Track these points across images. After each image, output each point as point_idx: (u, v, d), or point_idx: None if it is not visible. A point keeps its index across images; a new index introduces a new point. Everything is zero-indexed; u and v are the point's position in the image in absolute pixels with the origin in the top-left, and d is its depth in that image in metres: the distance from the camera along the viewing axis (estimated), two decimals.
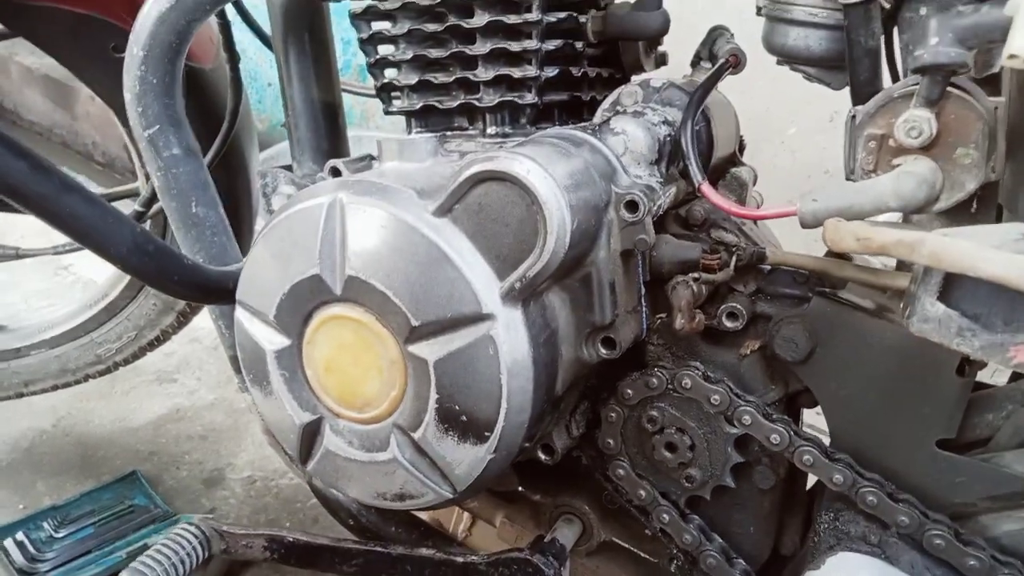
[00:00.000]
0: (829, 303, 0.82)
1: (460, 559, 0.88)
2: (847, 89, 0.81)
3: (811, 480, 1.01)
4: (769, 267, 0.88)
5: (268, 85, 3.72)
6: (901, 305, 0.68)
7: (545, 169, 0.69)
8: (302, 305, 0.79)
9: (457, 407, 0.74)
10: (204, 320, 2.72)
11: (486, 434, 0.75)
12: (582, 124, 0.86)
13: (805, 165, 2.54)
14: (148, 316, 1.92)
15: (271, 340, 0.82)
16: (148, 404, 2.33)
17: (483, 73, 0.89)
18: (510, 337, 0.72)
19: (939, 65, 0.63)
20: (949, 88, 0.67)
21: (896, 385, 0.80)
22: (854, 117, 0.74)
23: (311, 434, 0.84)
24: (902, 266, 0.89)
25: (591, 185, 0.74)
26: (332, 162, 0.89)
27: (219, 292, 1.00)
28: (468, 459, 0.76)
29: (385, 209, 0.73)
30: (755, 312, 0.85)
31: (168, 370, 2.49)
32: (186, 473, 2.10)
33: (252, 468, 2.13)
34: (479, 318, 0.71)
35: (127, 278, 1.88)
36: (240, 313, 0.85)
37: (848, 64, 0.82)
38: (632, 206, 0.76)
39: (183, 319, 1.94)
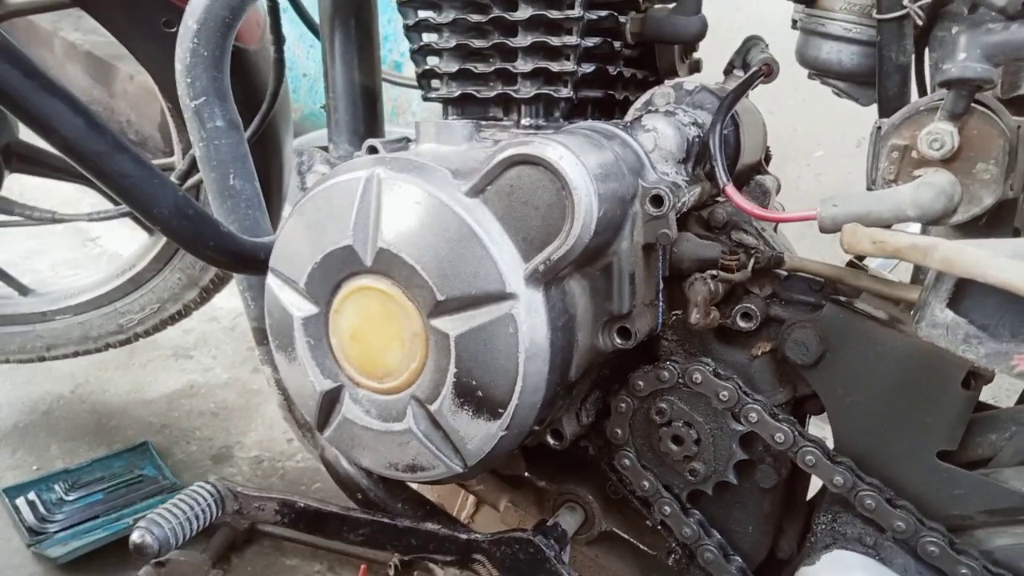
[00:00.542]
0: (842, 310, 0.84)
1: (463, 536, 0.90)
2: (873, 116, 0.84)
3: (812, 490, 1.03)
4: (785, 273, 0.90)
5: (303, 76, 3.78)
6: (911, 312, 0.70)
7: (577, 156, 0.71)
8: (332, 275, 0.82)
9: (474, 382, 0.77)
10: (223, 300, 2.77)
11: (500, 411, 0.77)
12: (614, 120, 0.89)
13: (829, 188, 2.55)
14: (172, 290, 1.96)
15: (300, 307, 0.85)
16: (164, 378, 2.37)
17: (522, 65, 0.92)
18: (530, 318, 0.75)
19: (965, 79, 0.65)
20: (973, 104, 0.69)
21: (902, 394, 0.81)
22: (879, 128, 0.76)
23: (330, 402, 0.86)
24: (916, 280, 0.91)
25: (619, 177, 0.77)
26: (370, 141, 0.92)
27: (250, 262, 1.03)
28: (480, 434, 0.79)
29: (420, 186, 0.76)
30: (769, 315, 0.87)
31: (185, 346, 2.53)
32: (196, 448, 2.14)
33: (260, 448, 2.17)
34: (502, 297, 0.74)
35: (155, 251, 1.92)
36: (271, 280, 0.88)
37: (878, 79, 0.84)
38: (657, 200, 0.78)
39: (205, 295, 1.98)
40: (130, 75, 4.46)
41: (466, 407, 0.78)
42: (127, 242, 2.81)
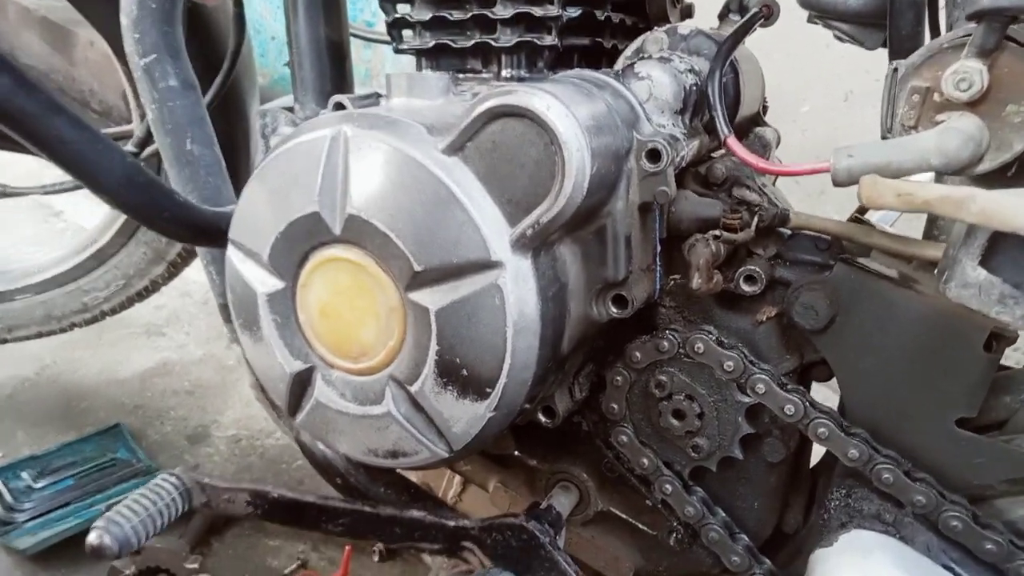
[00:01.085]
0: (853, 270, 0.78)
1: (451, 523, 0.84)
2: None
3: (814, 459, 0.98)
4: (790, 232, 0.84)
5: (272, 39, 3.63)
6: (937, 271, 0.64)
7: (567, 107, 0.64)
8: (298, 245, 0.74)
9: (458, 360, 0.70)
10: (195, 274, 2.67)
11: (487, 390, 0.70)
12: (604, 69, 0.81)
13: (816, 144, 2.49)
14: (138, 265, 1.87)
15: (264, 282, 0.78)
16: (135, 356, 2.29)
17: (501, 10, 0.84)
18: (518, 288, 0.68)
19: (999, 9, 0.58)
20: (1005, 39, 0.62)
21: (919, 359, 0.76)
22: (895, 70, 0.69)
23: (301, 384, 0.79)
24: (930, 235, 0.85)
25: (613, 130, 0.70)
26: (336, 97, 0.84)
27: (211, 233, 0.95)
28: (466, 416, 0.72)
29: (392, 144, 0.68)
30: (773, 277, 0.81)
31: (157, 323, 2.44)
32: (171, 428, 2.07)
33: (238, 427, 2.10)
34: (486, 265, 0.67)
35: (117, 224, 1.83)
36: (232, 253, 0.80)
37: (889, 17, 0.77)
38: (654, 155, 0.71)
39: (174, 270, 1.89)
40: (90, 41, 4.28)
41: (450, 387, 0.71)
42: (92, 216, 2.70)
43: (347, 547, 1.55)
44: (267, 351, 0.80)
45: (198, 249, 1.13)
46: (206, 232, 0.95)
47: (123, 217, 1.81)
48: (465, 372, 0.70)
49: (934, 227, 0.84)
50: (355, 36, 1.35)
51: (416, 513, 0.85)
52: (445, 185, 0.67)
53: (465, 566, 0.87)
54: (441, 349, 0.70)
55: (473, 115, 0.66)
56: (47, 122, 0.75)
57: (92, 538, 0.75)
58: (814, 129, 2.65)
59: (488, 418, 0.72)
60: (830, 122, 2.62)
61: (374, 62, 3.27)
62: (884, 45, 0.93)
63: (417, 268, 0.69)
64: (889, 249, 0.80)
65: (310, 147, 0.72)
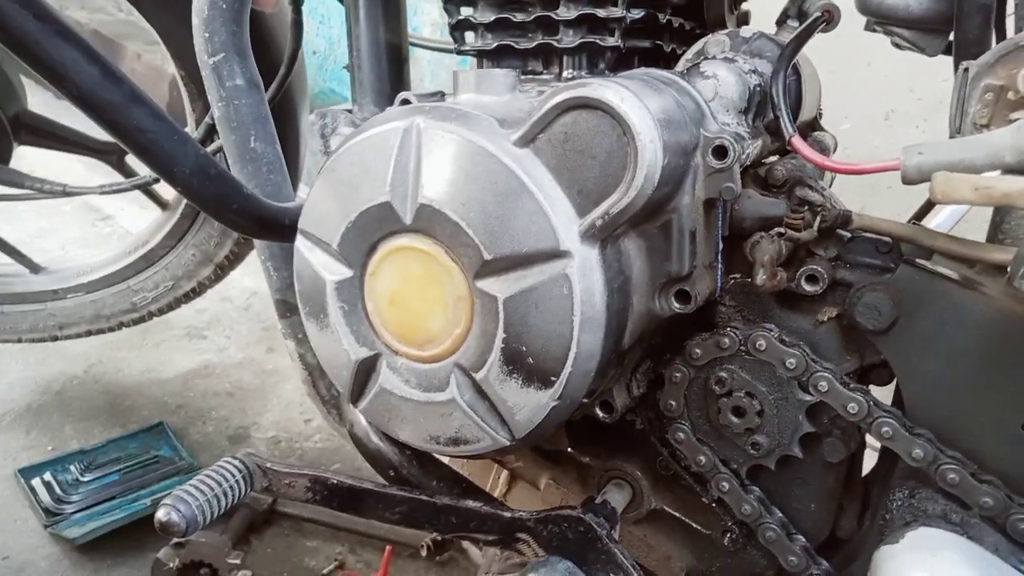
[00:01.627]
0: (917, 271, 0.78)
1: (507, 514, 0.85)
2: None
3: (866, 468, 0.98)
4: (849, 235, 0.84)
5: (313, 53, 3.71)
6: (1010, 270, 0.64)
7: (640, 99, 0.65)
8: (368, 235, 0.76)
9: (524, 348, 0.71)
10: (237, 279, 2.72)
11: (552, 379, 0.71)
12: (669, 70, 0.82)
13: (856, 161, 2.48)
14: (186, 267, 1.91)
15: (332, 271, 0.79)
16: (177, 358, 2.33)
17: (565, 12, 0.85)
18: (586, 278, 0.69)
19: None
20: None
21: (985, 361, 0.75)
22: (966, 70, 0.70)
23: (366, 371, 0.81)
24: (994, 239, 0.84)
25: (682, 125, 0.71)
26: (403, 95, 0.86)
27: (274, 227, 0.97)
28: (530, 405, 0.73)
29: (464, 136, 0.70)
30: (835, 278, 0.81)
31: (199, 326, 2.49)
32: (212, 428, 2.10)
33: (277, 428, 2.12)
34: (555, 255, 0.68)
35: (168, 226, 1.87)
36: (301, 243, 0.82)
37: (956, 21, 0.78)
38: (721, 152, 0.72)
39: (220, 272, 1.93)
40: (137, 54, 4.39)
41: (515, 375, 0.72)
42: (139, 221, 2.76)
43: (387, 547, 1.56)
44: (333, 339, 0.81)
45: (257, 245, 1.15)
46: (270, 226, 0.97)
47: (174, 219, 1.86)
48: (530, 360, 0.71)
49: (999, 231, 0.84)
50: (413, 45, 1.38)
51: (472, 503, 0.86)
52: (516, 175, 0.68)
53: (518, 559, 0.87)
54: (507, 337, 0.71)
55: (546, 107, 0.67)
56: (130, 112, 0.78)
57: (161, 514, 0.77)
58: (855, 147, 2.63)
59: (551, 407, 0.72)
60: (869, 141, 2.61)
61: (414, 74, 3.33)
62: (944, 52, 0.94)
63: (487, 257, 0.70)
64: (953, 252, 0.79)
65: (382, 139, 0.74)
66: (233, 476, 0.83)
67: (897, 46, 0.98)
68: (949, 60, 0.84)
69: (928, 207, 0.95)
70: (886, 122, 2.60)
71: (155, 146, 0.81)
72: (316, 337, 0.84)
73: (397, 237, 0.75)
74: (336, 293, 0.80)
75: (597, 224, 0.68)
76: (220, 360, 2.36)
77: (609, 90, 0.65)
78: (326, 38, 3.71)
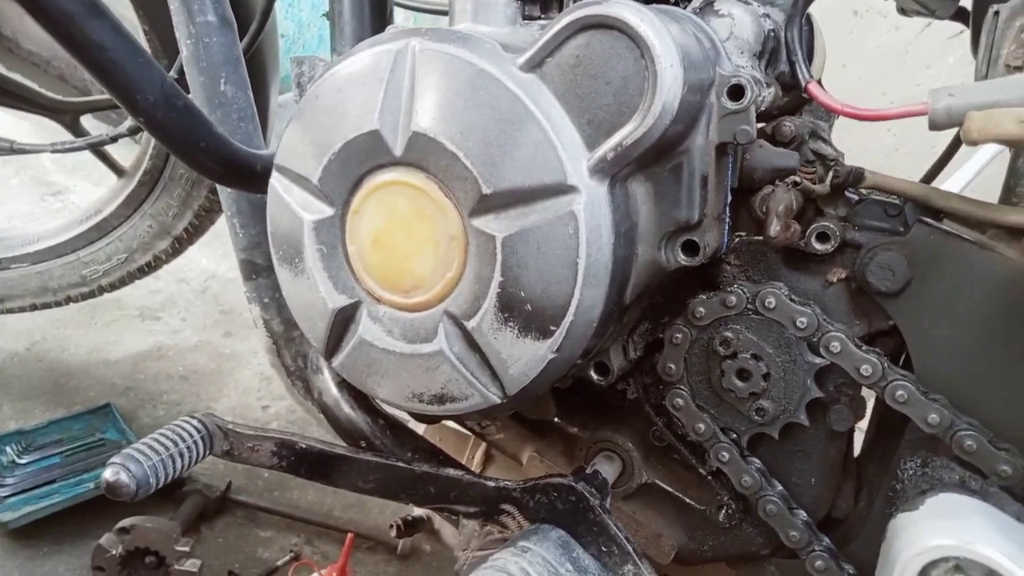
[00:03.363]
0: (932, 231, 0.74)
1: (491, 483, 0.79)
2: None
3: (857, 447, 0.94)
4: (857, 198, 0.80)
5: (281, 36, 3.60)
6: None
7: (660, 21, 0.60)
8: (353, 168, 0.69)
9: (522, 294, 0.65)
10: (194, 261, 2.61)
11: (551, 328, 0.65)
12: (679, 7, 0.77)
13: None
14: (141, 239, 1.80)
15: (311, 209, 0.73)
16: (128, 339, 2.21)
17: None
18: (593, 217, 0.63)
19: None
20: None
21: (1002, 325, 0.72)
22: (997, 13, 0.66)
23: (344, 321, 0.74)
24: (1007, 201, 0.81)
25: (699, 58, 0.66)
26: (392, 26, 0.79)
27: (245, 173, 0.90)
28: (526, 357, 0.67)
29: (465, 58, 0.64)
30: (844, 239, 0.77)
31: (152, 307, 2.37)
32: (163, 412, 1.99)
33: (233, 415, 2.02)
34: (561, 190, 0.62)
35: (123, 195, 1.77)
36: (276, 181, 0.75)
37: None
38: (737, 91, 0.67)
39: (178, 246, 1.83)
40: None
41: (511, 324, 0.66)
42: (92, 198, 2.63)
43: (349, 534, 1.48)
44: (308, 286, 0.74)
45: (223, 199, 1.08)
46: (240, 171, 0.89)
47: (130, 187, 1.75)
48: (528, 308, 0.65)
49: (1012, 194, 0.81)
50: (399, 5, 1.31)
51: (453, 472, 0.79)
52: (521, 102, 0.62)
53: (499, 534, 0.81)
54: (505, 281, 0.65)
55: (558, 27, 0.62)
56: (89, 25, 0.70)
57: (108, 474, 0.68)
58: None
59: (548, 360, 0.67)
60: (841, 142, 2.63)
61: None
62: (954, 16, 0.91)
63: (485, 191, 0.64)
64: (967, 213, 0.76)
65: (372, 62, 0.68)
66: (191, 436, 0.76)
67: (903, 11, 0.95)
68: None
69: (936, 171, 0.92)
70: (858, 124, 2.62)
71: (115, 67, 0.73)
72: (289, 285, 0.76)
73: (385, 171, 0.68)
74: (314, 234, 0.73)
75: (608, 158, 0.62)
76: (174, 343, 2.25)
77: (628, 9, 0.60)
78: (295, 21, 3.61)
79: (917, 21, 2.64)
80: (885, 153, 2.42)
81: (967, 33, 0.92)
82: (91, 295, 1.88)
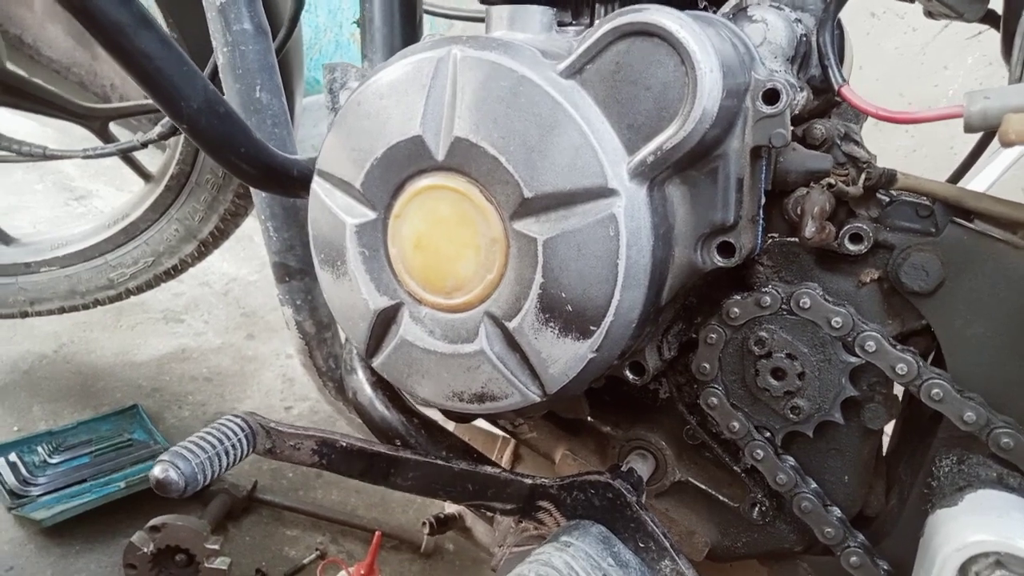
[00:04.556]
0: (965, 231, 0.75)
1: (528, 480, 0.80)
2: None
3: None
4: (888, 199, 0.81)
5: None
6: None
7: (699, 28, 0.61)
8: (395, 173, 0.71)
9: (563, 295, 0.67)
10: (216, 264, 2.64)
11: (591, 329, 0.67)
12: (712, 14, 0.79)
13: None
14: (168, 242, 1.83)
15: (353, 213, 0.74)
16: (153, 341, 2.24)
17: None
18: (633, 220, 0.64)
19: None
20: None
21: None
22: None
23: (385, 322, 0.76)
24: None
25: (735, 63, 0.67)
26: (428, 35, 0.81)
27: (282, 178, 0.92)
28: (566, 356, 0.68)
29: (506, 65, 0.65)
30: (876, 240, 0.78)
31: (176, 310, 2.40)
32: (188, 413, 2.02)
33: None
34: (602, 193, 0.64)
35: (151, 199, 1.79)
36: (318, 186, 0.77)
37: None
38: (772, 96, 0.68)
39: (203, 249, 1.85)
40: None
41: (551, 324, 0.68)
42: (115, 203, 2.67)
43: (377, 532, 1.50)
44: (350, 287, 0.76)
45: (257, 204, 1.10)
46: (277, 176, 0.92)
47: (157, 192, 1.78)
48: (569, 308, 0.67)
49: None
50: (429, 12, 1.33)
51: (491, 469, 0.81)
52: (562, 107, 0.64)
53: (535, 531, 0.82)
54: (546, 282, 0.67)
55: (599, 34, 0.63)
56: (138, 36, 0.73)
57: (157, 471, 0.70)
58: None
59: (588, 359, 0.68)
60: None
61: None
62: (981, 19, 0.92)
63: (527, 194, 0.65)
64: (999, 214, 0.76)
65: (415, 69, 0.69)
66: (235, 435, 0.77)
67: (930, 15, 0.96)
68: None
69: (962, 173, 0.93)
70: (876, 126, 2.61)
71: (161, 75, 0.76)
72: (330, 287, 0.78)
73: (427, 176, 0.70)
74: (356, 237, 0.74)
75: (648, 161, 0.64)
76: (198, 345, 2.28)
77: (668, 17, 0.61)
78: (312, 26, 3.64)
79: (934, 23, 2.64)
80: (904, 155, 2.42)
81: (985, 35, 0.92)
82: (118, 298, 1.90)
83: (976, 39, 2.24)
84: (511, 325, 0.69)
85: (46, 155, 1.58)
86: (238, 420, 0.79)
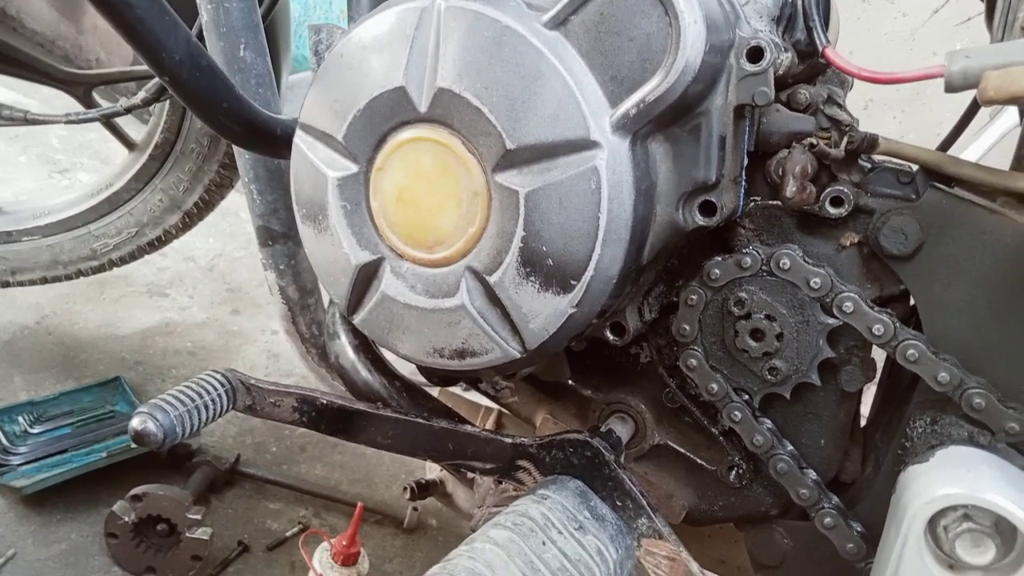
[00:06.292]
0: (944, 195, 0.75)
1: (508, 439, 0.80)
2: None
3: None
4: (870, 166, 0.81)
5: None
6: None
7: None
8: (377, 125, 0.71)
9: (544, 248, 0.67)
10: (201, 239, 2.62)
11: (572, 283, 0.67)
12: None
13: None
14: (152, 213, 1.81)
15: (335, 166, 0.74)
16: (137, 314, 2.22)
17: None
18: (615, 173, 0.64)
19: None
20: None
21: (1011, 288, 0.73)
22: None
23: (367, 277, 0.75)
24: (1020, 167, 0.82)
25: (720, 19, 0.67)
26: None
27: (266, 137, 0.92)
28: (546, 311, 0.68)
29: (490, 16, 0.65)
30: (857, 204, 0.78)
31: (160, 284, 2.38)
32: (172, 386, 1.99)
33: None
34: (584, 145, 0.64)
35: (134, 168, 1.78)
36: (301, 139, 0.77)
37: None
38: (756, 53, 0.68)
39: (188, 221, 1.84)
40: None
41: (532, 278, 0.68)
42: (99, 176, 2.64)
43: (359, 504, 1.50)
44: (331, 242, 0.76)
45: (240, 165, 1.09)
46: (260, 134, 0.91)
47: (141, 161, 1.76)
48: (550, 262, 0.67)
49: (1023, 162, 0.82)
50: None
51: (471, 429, 0.81)
52: (546, 58, 0.64)
53: (514, 491, 0.83)
54: (527, 236, 0.67)
55: None
56: None
57: (136, 423, 0.70)
58: None
59: (568, 315, 0.68)
60: None
61: None
62: None
63: (509, 146, 0.65)
64: (979, 180, 0.77)
65: (398, 20, 0.69)
66: (215, 390, 0.77)
67: None
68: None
69: (950, 142, 0.94)
70: (865, 111, 2.62)
71: (143, 25, 0.75)
72: (312, 243, 0.78)
73: (410, 127, 0.70)
74: (338, 191, 0.74)
75: (631, 114, 0.64)
76: (182, 319, 2.27)
77: None
78: (301, 3, 3.61)
79: (924, 8, 2.64)
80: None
81: (974, 21, 0.93)
82: (101, 269, 1.89)
83: (965, 25, 2.25)
84: (492, 279, 0.69)
85: (27, 119, 1.56)
86: (218, 375, 0.79)
